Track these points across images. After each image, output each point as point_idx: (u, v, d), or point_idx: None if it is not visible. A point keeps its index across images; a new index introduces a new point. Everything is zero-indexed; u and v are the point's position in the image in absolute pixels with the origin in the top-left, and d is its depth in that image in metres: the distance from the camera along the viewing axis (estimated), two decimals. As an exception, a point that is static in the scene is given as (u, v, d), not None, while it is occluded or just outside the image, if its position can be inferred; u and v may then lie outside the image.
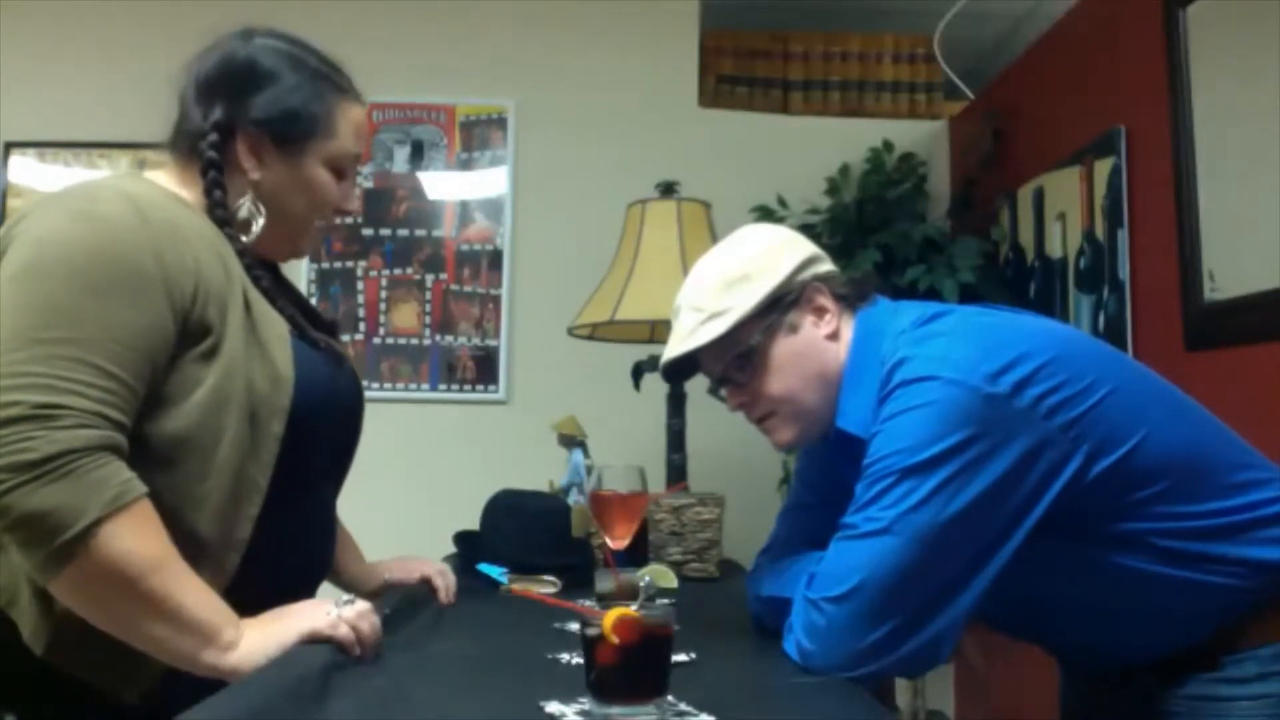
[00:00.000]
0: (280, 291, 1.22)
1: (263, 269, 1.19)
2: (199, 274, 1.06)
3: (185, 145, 1.18)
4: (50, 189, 1.08)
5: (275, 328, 1.13)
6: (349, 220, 3.10)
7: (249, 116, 1.16)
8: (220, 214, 1.15)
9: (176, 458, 1.04)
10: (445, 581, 1.45)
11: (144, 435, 1.02)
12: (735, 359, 1.19)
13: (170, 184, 1.17)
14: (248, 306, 1.10)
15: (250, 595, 1.05)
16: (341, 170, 1.23)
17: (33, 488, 0.91)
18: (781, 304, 1.18)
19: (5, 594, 1.04)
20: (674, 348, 1.21)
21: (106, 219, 1.03)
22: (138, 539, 0.96)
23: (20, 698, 1.06)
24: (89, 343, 0.97)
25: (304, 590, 1.20)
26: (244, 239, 1.16)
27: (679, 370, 1.26)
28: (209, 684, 0.96)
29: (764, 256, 1.20)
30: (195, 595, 0.99)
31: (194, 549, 1.02)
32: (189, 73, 1.19)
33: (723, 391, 1.25)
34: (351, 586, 1.42)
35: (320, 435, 1.19)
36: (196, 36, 1.22)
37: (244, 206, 1.17)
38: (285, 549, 1.15)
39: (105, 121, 3.06)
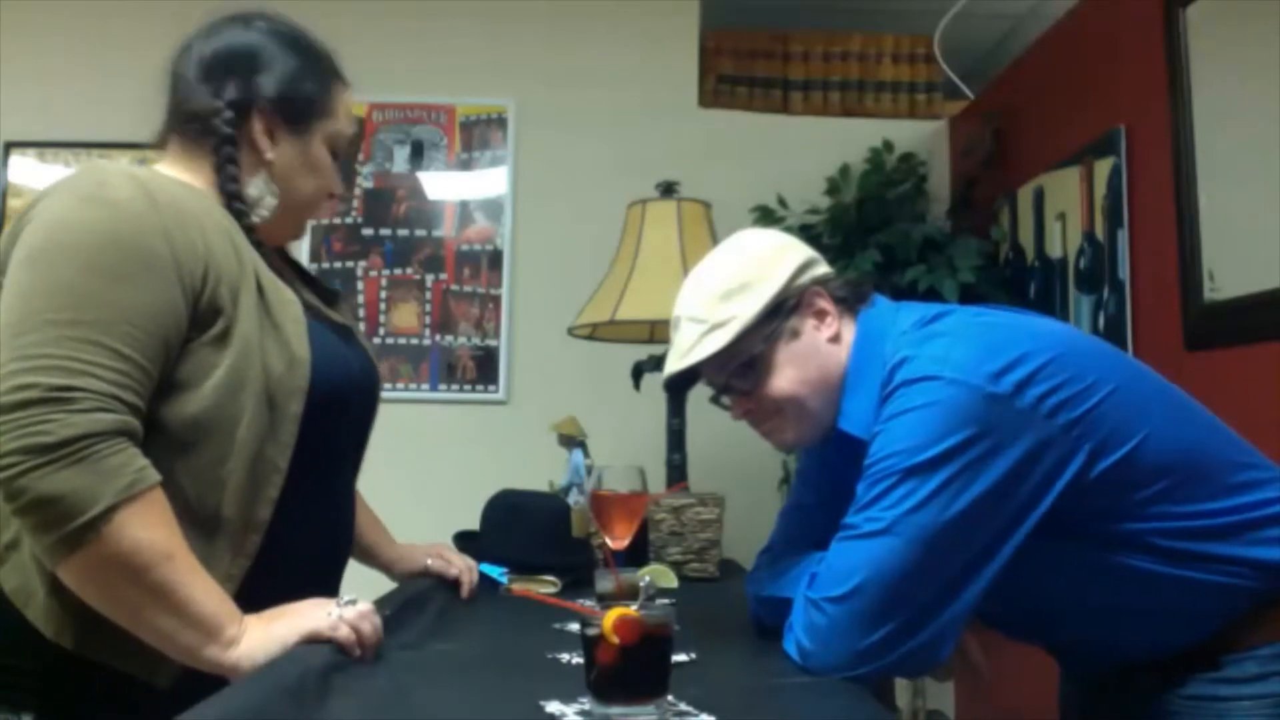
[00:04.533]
0: (293, 273, 1.22)
1: (272, 250, 1.19)
2: (209, 257, 1.06)
3: (192, 127, 1.16)
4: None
5: (289, 309, 1.13)
6: (349, 220, 3.10)
7: (263, 96, 1.16)
8: (233, 188, 1.15)
9: (195, 441, 1.04)
10: (471, 578, 1.53)
11: (162, 420, 1.02)
12: (738, 368, 1.18)
13: (174, 171, 1.16)
14: (260, 289, 1.10)
15: (276, 576, 1.05)
16: (336, 152, 1.25)
17: (48, 471, 0.92)
18: (782, 310, 1.17)
19: (21, 595, 1.03)
20: (676, 361, 1.20)
21: (116, 202, 1.03)
22: (149, 528, 0.96)
23: (38, 695, 1.05)
24: (102, 324, 0.97)
25: (328, 572, 1.22)
26: (255, 219, 1.16)
27: (681, 382, 1.26)
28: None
29: (761, 263, 1.19)
30: (202, 589, 0.99)
31: (215, 531, 1.03)
32: (188, 54, 1.18)
33: (725, 400, 1.24)
34: (390, 568, 1.48)
35: (340, 415, 1.18)
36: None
37: (256, 185, 1.17)
38: (310, 531, 1.16)
39: (105, 121, 3.06)
